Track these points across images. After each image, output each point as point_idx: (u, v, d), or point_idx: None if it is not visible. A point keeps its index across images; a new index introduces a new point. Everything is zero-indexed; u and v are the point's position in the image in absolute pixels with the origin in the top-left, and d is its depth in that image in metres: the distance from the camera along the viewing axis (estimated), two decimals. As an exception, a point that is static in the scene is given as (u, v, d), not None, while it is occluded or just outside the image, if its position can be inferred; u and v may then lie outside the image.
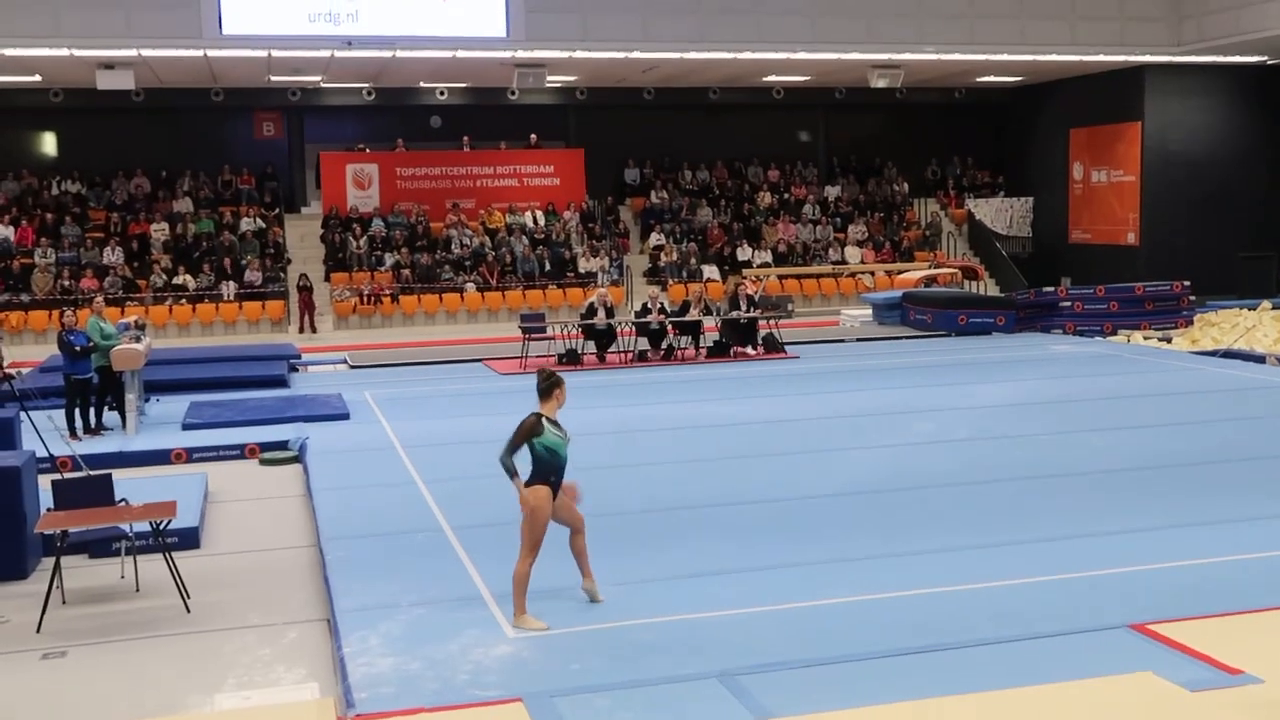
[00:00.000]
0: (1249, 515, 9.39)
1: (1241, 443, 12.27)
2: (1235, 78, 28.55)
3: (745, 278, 26.08)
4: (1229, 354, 19.32)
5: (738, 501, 10.25)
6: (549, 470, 7.50)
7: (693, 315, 20.11)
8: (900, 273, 27.88)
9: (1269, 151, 29.17)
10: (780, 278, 28.80)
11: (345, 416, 14.65)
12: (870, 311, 24.97)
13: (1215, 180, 28.65)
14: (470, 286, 26.65)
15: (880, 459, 11.77)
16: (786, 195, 31.70)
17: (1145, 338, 21.95)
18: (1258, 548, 8.20)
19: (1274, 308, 23.29)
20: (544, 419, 7.64)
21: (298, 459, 12.70)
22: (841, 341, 22.31)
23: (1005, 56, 26.04)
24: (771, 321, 20.88)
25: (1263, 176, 29.16)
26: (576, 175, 29.77)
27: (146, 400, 15.56)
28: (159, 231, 26.79)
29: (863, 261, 29.82)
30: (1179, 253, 27.94)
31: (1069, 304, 23.08)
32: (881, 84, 26.82)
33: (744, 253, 29.29)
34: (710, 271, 28.47)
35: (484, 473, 11.54)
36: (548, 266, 27.55)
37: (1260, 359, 18.71)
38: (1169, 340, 21.76)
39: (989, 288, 29.34)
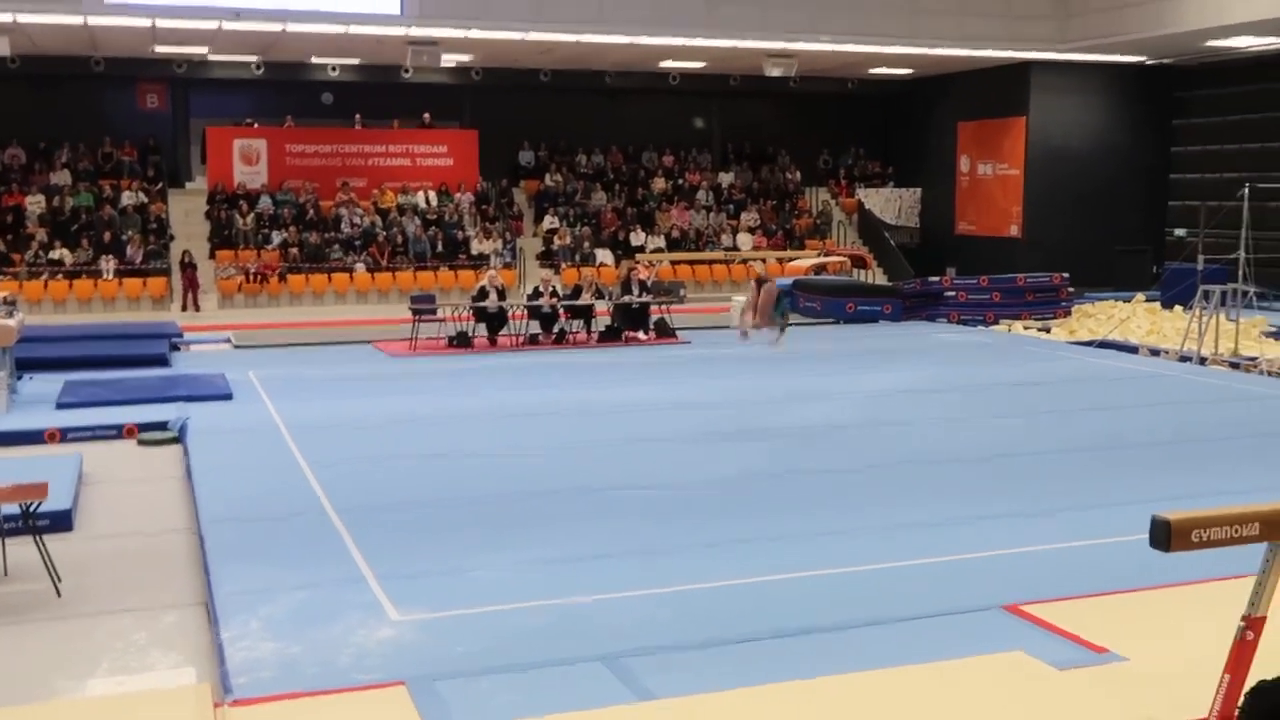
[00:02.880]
0: (1120, 499, 9.71)
1: (1114, 430, 12.68)
2: (1116, 77, 29.41)
3: (638, 262, 26.11)
4: (1104, 344, 19.93)
5: (626, 486, 10.29)
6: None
7: (585, 299, 20.10)
8: (791, 260, 28.19)
9: (1145, 150, 30.13)
10: (673, 263, 28.92)
11: (228, 397, 14.36)
12: (762, 298, 25.19)
13: (1095, 176, 29.50)
14: (360, 266, 26.29)
15: (766, 445, 11.90)
16: (681, 181, 31.83)
17: (1025, 328, 22.53)
18: (1127, 531, 8.48)
19: (1147, 300, 24.06)
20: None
21: (178, 440, 12.42)
22: (732, 327, 22.48)
23: (897, 49, 26.46)
24: (664, 306, 20.96)
25: (1139, 174, 30.11)
26: (470, 156, 29.53)
27: (19, 378, 15.06)
28: (34, 204, 25.90)
29: (755, 248, 30.09)
30: (1059, 246, 28.71)
31: (953, 294, 23.58)
32: (776, 73, 27.07)
33: (637, 238, 29.35)
34: (604, 256, 28.48)
35: (371, 455, 11.48)
36: (440, 248, 27.30)
37: (1133, 349, 19.33)
38: (1048, 330, 22.37)
39: (877, 276, 29.83)
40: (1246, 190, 20.90)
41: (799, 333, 21.66)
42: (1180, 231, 29.00)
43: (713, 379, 16.25)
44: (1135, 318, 22.20)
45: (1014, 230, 29.72)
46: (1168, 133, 30.34)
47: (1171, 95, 30.05)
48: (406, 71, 28.30)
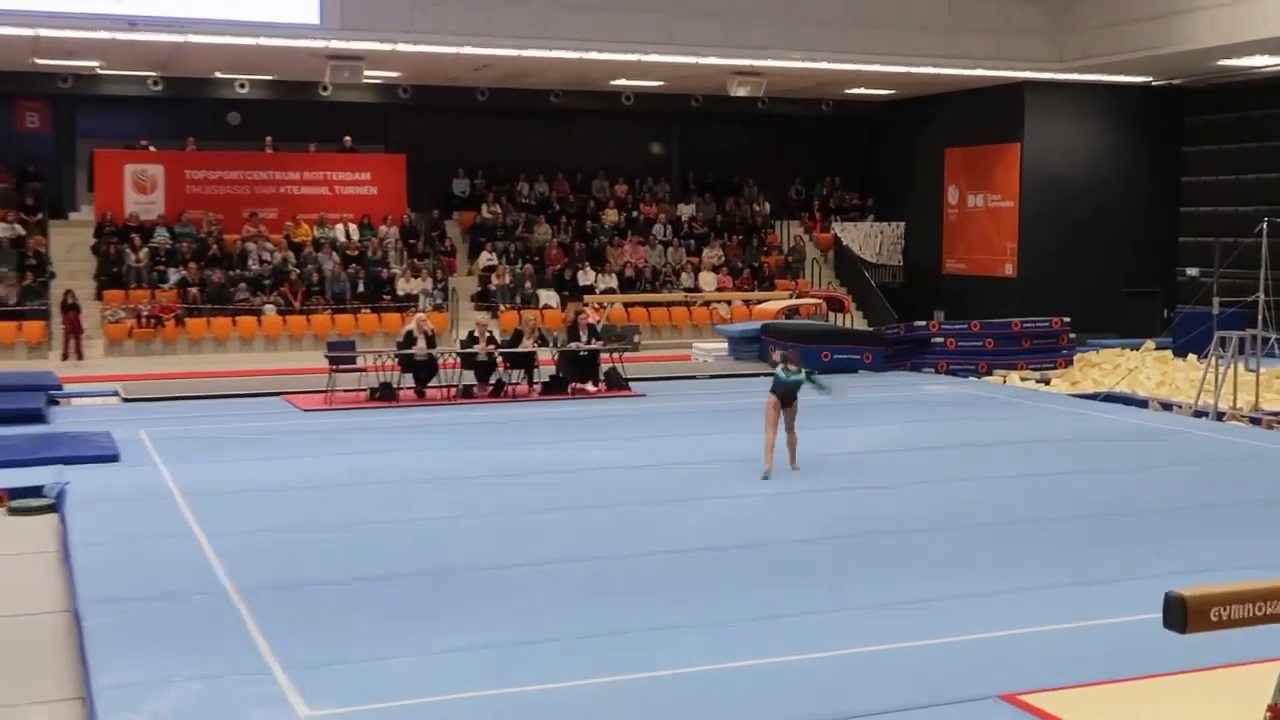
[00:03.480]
0: (1130, 573, 9.74)
1: (1123, 494, 12.74)
2: (1119, 99, 29.91)
3: (587, 305, 26.15)
4: (1110, 397, 20.11)
5: (572, 558, 10.21)
6: (778, 388, 13.84)
7: (526, 346, 20.07)
8: (759, 302, 28.33)
9: (1153, 180, 30.57)
10: (626, 306, 28.96)
11: (114, 458, 14.16)
12: (726, 345, 25.29)
13: (1097, 209, 29.89)
14: (270, 309, 26.11)
15: (731, 509, 11.87)
16: (635, 213, 31.95)
17: (1023, 378, 22.72)
18: (1138, 609, 8.49)
19: (1157, 348, 24.34)
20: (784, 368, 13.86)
21: (54, 508, 12.21)
22: (693, 378, 22.52)
23: (877, 67, 26.76)
24: (615, 355, 20.97)
25: (1146, 206, 30.53)
26: (397, 184, 29.50)
27: None
28: (-106, 237, 25.59)
29: (718, 289, 30.21)
30: (1059, 287, 29.04)
31: (942, 340, 23.77)
32: (742, 92, 27.31)
33: (586, 276, 29.38)
34: (547, 297, 28.46)
35: (279, 525, 11.33)
36: (361, 288, 27.19)
37: (1143, 403, 19.52)
38: (1047, 381, 22.56)
39: (856, 321, 30.02)
40: (1265, 225, 21.24)
41: (765, 387, 21.74)
42: (1193, 271, 29.46)
43: (669, 436, 16.23)
44: (1144, 368, 22.44)
45: (1008, 269, 30.04)
46: (1177, 161, 30.84)
47: (1181, 120, 30.58)
48: (325, 89, 28.29)
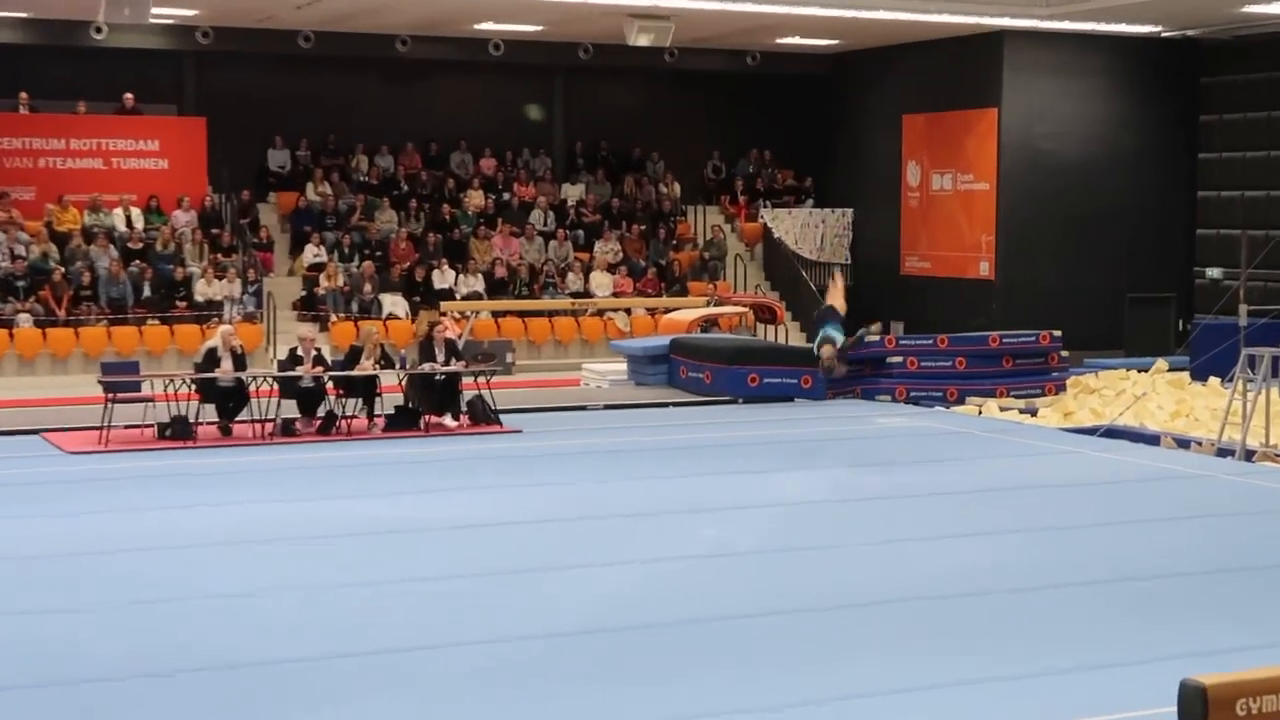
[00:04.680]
0: (1137, 655, 9.83)
1: (1126, 555, 12.89)
2: (1121, 55, 30.47)
3: (444, 315, 26.01)
4: (1112, 432, 20.39)
5: (429, 644, 10.09)
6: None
7: (365, 368, 19.90)
8: (668, 311, 28.39)
9: (1164, 156, 31.12)
10: (495, 315, 28.86)
11: None
12: (625, 366, 25.27)
13: (1095, 193, 30.38)
14: (24, 319, 25.66)
15: (631, 581, 11.82)
16: (507, 196, 31.89)
17: (1003, 408, 22.98)
18: (1148, 700, 8.55)
19: (1171, 369, 24.74)
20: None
21: None
22: (583, 409, 22.45)
23: (817, 10, 26.97)
24: (481, 379, 20.86)
25: (1156, 189, 31.06)
26: (195, 157, 29.20)
27: None
28: None
29: (615, 294, 30.23)
30: (1048, 292, 29.48)
31: (900, 360, 23.97)
32: (643, 41, 27.40)
33: (443, 278, 29.25)
34: (393, 304, 28.29)
35: (33, 604, 11.06)
36: (147, 292, 26.83)
37: (1153, 439, 19.81)
38: (1034, 412, 22.82)
39: (791, 335, 30.21)
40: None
41: (677, 420, 21.73)
42: (1214, 272, 30.01)
43: (552, 485, 16.15)
44: (1155, 394, 22.80)
45: (984, 269, 30.43)
46: (1192, 132, 31.45)
47: (1196, 81, 31.20)
48: (99, 30, 27.90)
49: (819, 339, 18.05)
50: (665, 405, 22.88)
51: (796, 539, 13.52)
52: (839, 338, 17.97)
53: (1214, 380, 23.59)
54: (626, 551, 12.89)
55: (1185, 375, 24.39)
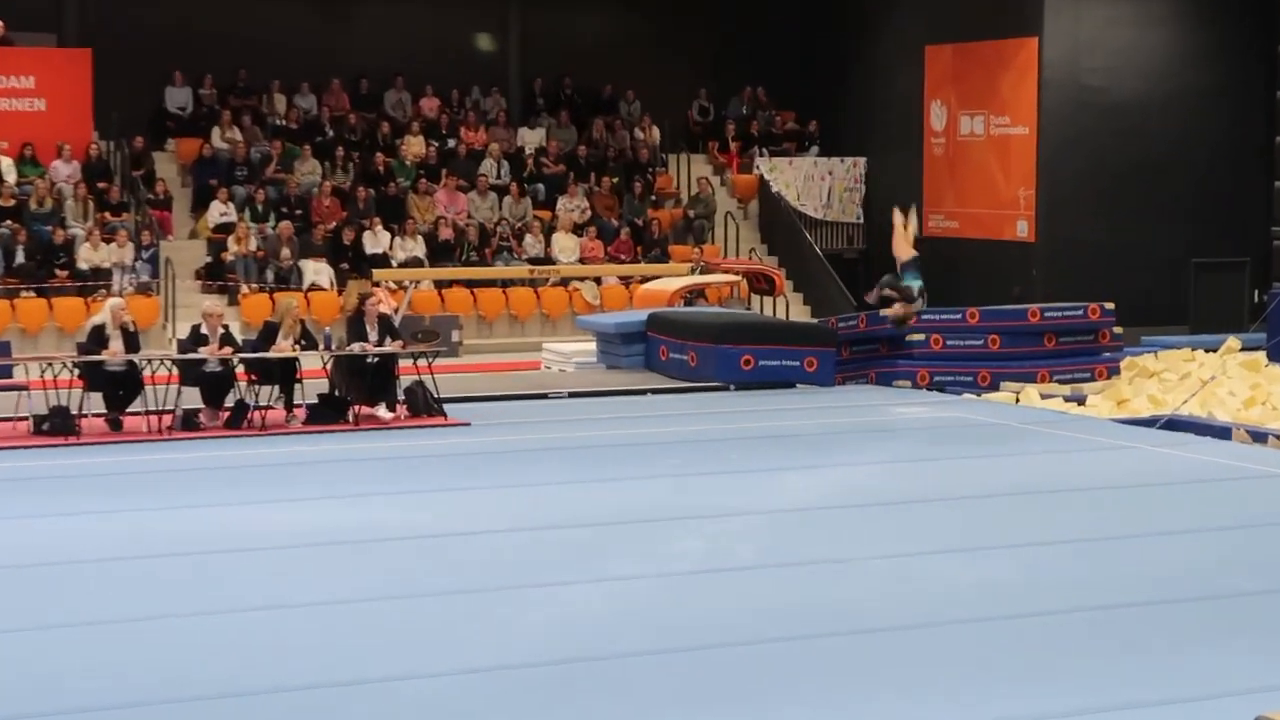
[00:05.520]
0: (1207, 689, 9.83)
1: (1193, 570, 12.90)
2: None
3: (378, 285, 25.93)
4: (1175, 423, 20.41)
5: (352, 681, 10.06)
6: None
7: (283, 349, 19.84)
8: (645, 280, 28.36)
9: (1236, 94, 31.10)
10: (439, 286, 28.79)
11: None
12: (594, 346, 25.24)
13: (1154, 139, 30.39)
14: (-127, 292, 25.58)
15: (604, 602, 11.81)
16: (453, 143, 31.79)
17: (1045, 395, 22.98)
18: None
19: (1244, 349, 24.75)
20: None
21: None
22: (544, 397, 22.44)
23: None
24: (423, 361, 20.81)
25: (1226, 135, 31.05)
26: (78, 96, 29.11)
27: None
28: None
29: (582, 260, 30.18)
30: (1098, 257, 29.50)
31: (923, 338, 23.94)
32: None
33: (377, 241, 29.18)
34: (316, 272, 28.21)
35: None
36: (20, 258, 26.73)
37: (1224, 431, 19.82)
38: (1082, 400, 22.82)
39: (794, 308, 30.22)
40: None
41: (657, 410, 21.71)
42: (1296, 233, 30.05)
43: (507, 488, 16.15)
44: (1226, 378, 22.81)
45: (1022, 230, 30.46)
46: (1271, 66, 31.43)
47: (1273, 3, 31.16)
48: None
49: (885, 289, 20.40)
50: (642, 392, 22.86)
51: (801, 551, 13.52)
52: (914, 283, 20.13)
53: (1296, 361, 23.67)
54: (597, 568, 12.87)
55: (1261, 355, 24.41)
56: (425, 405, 20.31)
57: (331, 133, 31.33)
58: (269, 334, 20.07)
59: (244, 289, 27.43)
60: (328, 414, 19.95)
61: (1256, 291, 30.41)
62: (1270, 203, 31.34)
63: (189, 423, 19.40)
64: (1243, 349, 24.86)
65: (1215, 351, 24.79)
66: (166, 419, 19.31)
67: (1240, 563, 13.28)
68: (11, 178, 28.19)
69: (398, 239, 29.36)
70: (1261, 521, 14.90)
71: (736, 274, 28.56)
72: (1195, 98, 30.75)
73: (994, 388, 23.45)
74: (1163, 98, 30.58)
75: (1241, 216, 31.19)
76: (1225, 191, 31.00)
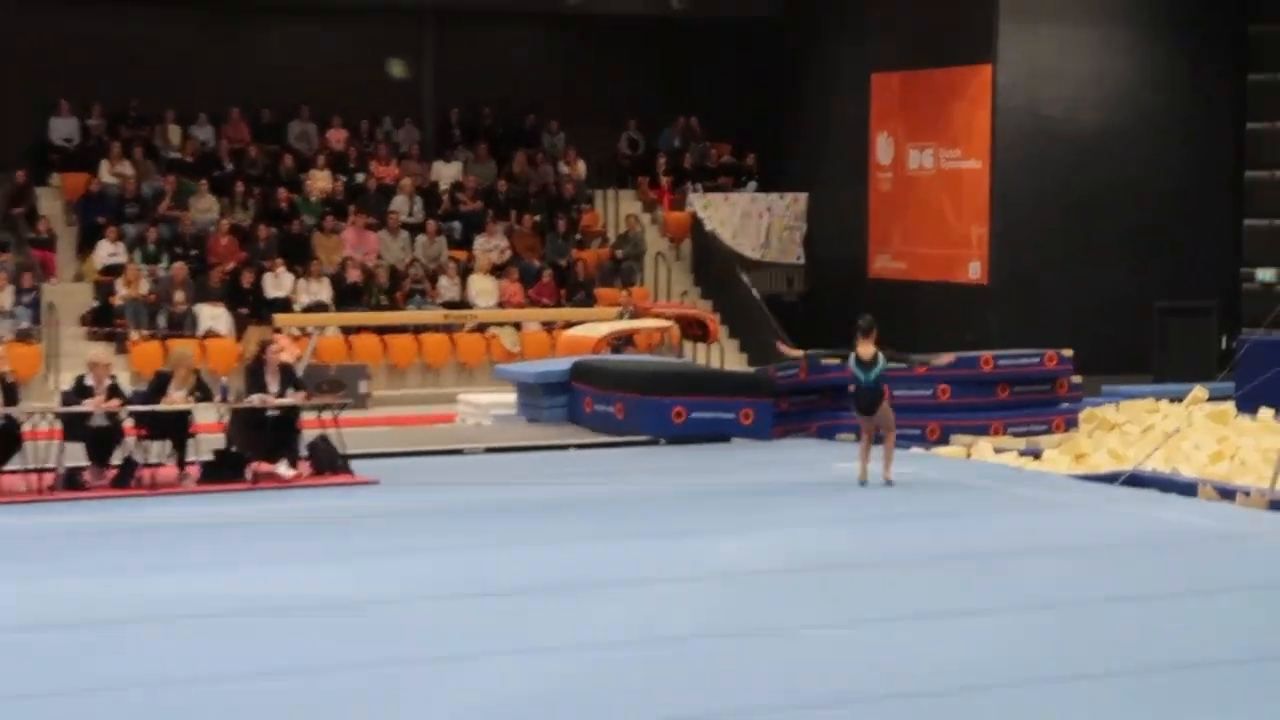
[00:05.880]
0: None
1: (1154, 638, 12.93)
2: (1148, -1, 30.71)
3: (280, 332, 25.83)
4: (1137, 479, 20.46)
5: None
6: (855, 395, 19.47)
7: (175, 400, 19.74)
8: (569, 326, 28.34)
9: (1204, 125, 31.25)
10: (346, 332, 28.70)
11: None
12: (514, 398, 25.19)
13: (1116, 173, 30.52)
14: None
15: (530, 677, 11.75)
16: (362, 178, 31.74)
17: (998, 449, 23.03)
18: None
19: (1212, 399, 24.86)
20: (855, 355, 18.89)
21: None
22: (459, 453, 22.41)
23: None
24: (328, 414, 20.74)
25: (1193, 169, 31.22)
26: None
27: None
28: None
29: (501, 304, 30.14)
30: (1056, 300, 29.61)
31: (869, 388, 24.01)
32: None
33: (278, 284, 29.06)
34: (213, 318, 28.07)
35: None
36: (-113, 302, 26.56)
37: (1189, 488, 19.89)
38: (1038, 454, 22.87)
39: (729, 356, 30.23)
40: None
41: (581, 467, 21.68)
42: (1267, 274, 30.26)
43: (418, 552, 16.12)
44: (1191, 430, 22.91)
45: (974, 271, 30.55)
46: (1239, 95, 31.68)
47: (1243, 29, 31.43)
48: None
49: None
50: (565, 448, 22.87)
51: (737, 621, 13.47)
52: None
53: (1266, 412, 23.75)
54: (517, 640, 12.80)
55: (1230, 406, 24.54)
56: (330, 462, 20.23)
57: (230, 166, 31.21)
58: (160, 385, 19.96)
59: (134, 336, 27.25)
60: (224, 472, 19.84)
61: (1225, 337, 30.56)
62: (1240, 242, 31.58)
63: (72, 481, 19.27)
64: (1210, 399, 24.99)
65: (1180, 402, 24.91)
66: (48, 478, 19.17)
67: (1209, 630, 13.31)
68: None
69: (301, 281, 29.24)
70: (1229, 585, 14.95)
71: (668, 319, 28.52)
72: (1160, 130, 30.90)
73: (944, 441, 23.51)
74: (1125, 129, 30.71)
75: (1209, 257, 31.36)
76: (1192, 230, 31.13)
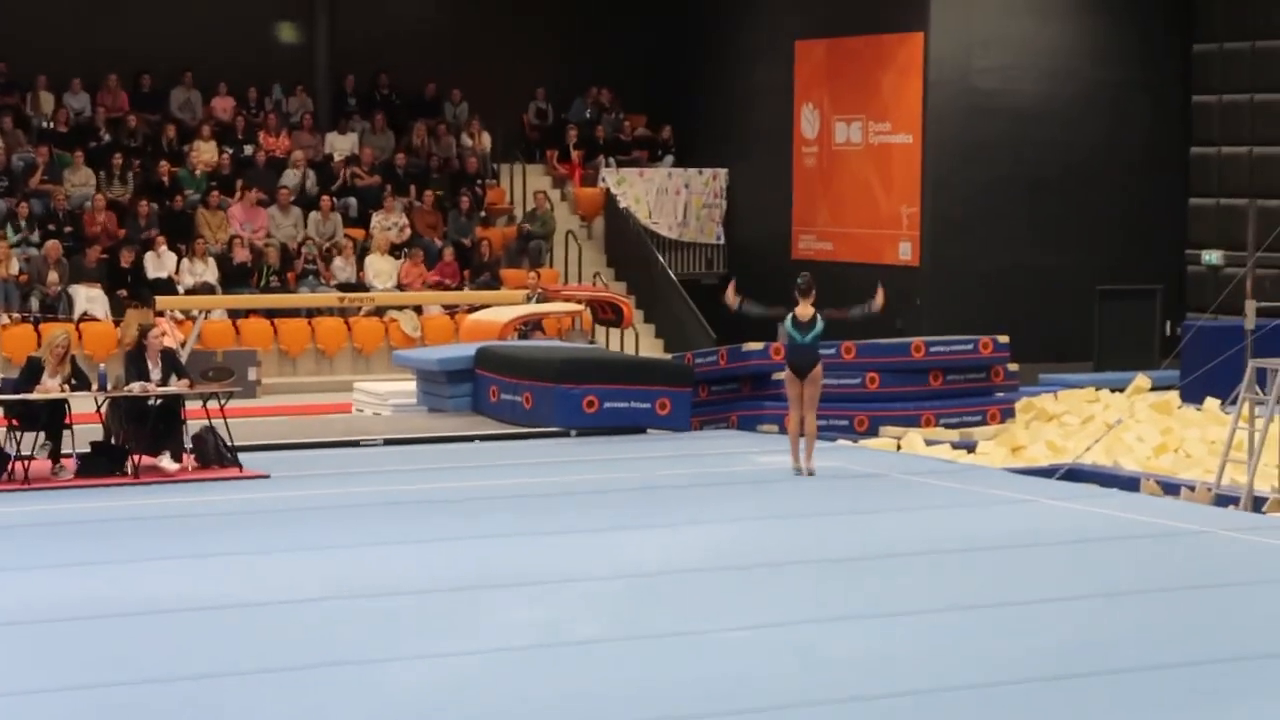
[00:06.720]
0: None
1: (1092, 639, 13.03)
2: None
3: (162, 315, 25.75)
4: (1076, 472, 20.66)
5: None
6: (789, 354, 19.78)
7: (50, 389, 19.67)
8: (474, 310, 28.33)
9: (1147, 99, 31.48)
10: (234, 316, 28.61)
11: None
12: (414, 386, 25.19)
13: (1055, 150, 30.70)
14: None
15: (429, 683, 11.79)
16: (250, 150, 31.64)
17: (930, 441, 23.18)
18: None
19: (1155, 388, 25.08)
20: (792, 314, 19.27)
21: None
22: (355, 445, 22.41)
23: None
24: (214, 404, 20.70)
25: (1138, 142, 31.41)
26: None
27: None
28: None
29: (400, 286, 30.11)
30: (991, 283, 29.75)
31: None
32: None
33: (160, 264, 28.96)
34: (90, 300, 27.94)
35: None
36: None
37: (1132, 483, 20.09)
38: (972, 448, 23.04)
39: (645, 342, 30.26)
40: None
41: (486, 460, 21.71)
42: (1212, 256, 30.49)
43: (310, 550, 16.15)
44: (1134, 421, 23.12)
45: (905, 252, 30.67)
46: (1184, 68, 31.88)
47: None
48: None
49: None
50: (469, 439, 22.87)
51: (649, 623, 13.54)
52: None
53: (1211, 403, 23.96)
54: (416, 644, 12.84)
55: (1174, 396, 24.77)
56: (216, 454, 20.18)
57: (108, 137, 31.05)
58: (33, 372, 19.87)
59: (4, 319, 27.10)
60: (102, 465, 19.75)
61: (1169, 323, 30.77)
62: (1184, 223, 31.76)
63: (-63, 476, 19.22)
64: (1153, 389, 25.22)
65: (1122, 391, 25.13)
66: (-89, 472, 19.11)
67: (1150, 631, 13.45)
68: None
69: (185, 261, 29.13)
70: (1175, 585, 15.10)
71: (579, 302, 28.58)
72: (1102, 102, 31.05)
73: (873, 433, 23.65)
74: (1065, 102, 30.86)
75: (1153, 238, 31.54)
76: (1136, 210, 31.32)
